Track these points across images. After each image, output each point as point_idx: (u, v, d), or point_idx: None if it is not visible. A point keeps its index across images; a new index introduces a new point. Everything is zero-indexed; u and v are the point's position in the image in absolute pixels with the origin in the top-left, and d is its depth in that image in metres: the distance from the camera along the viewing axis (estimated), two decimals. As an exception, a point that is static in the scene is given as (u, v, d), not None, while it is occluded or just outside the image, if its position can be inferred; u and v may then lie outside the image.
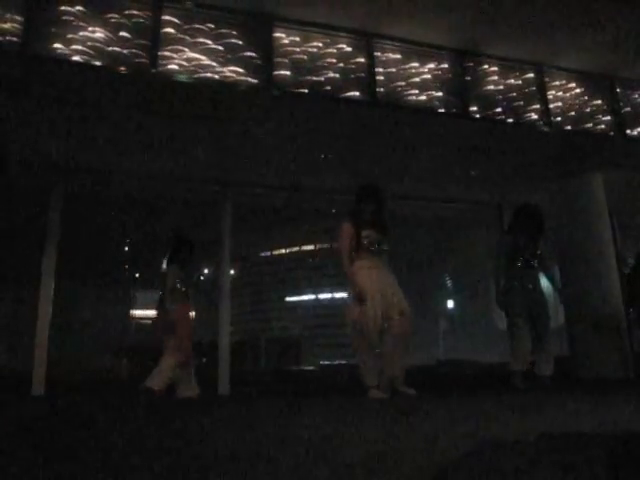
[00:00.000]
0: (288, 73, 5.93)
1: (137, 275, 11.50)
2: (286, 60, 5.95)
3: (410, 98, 6.37)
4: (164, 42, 5.52)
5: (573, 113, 7.15)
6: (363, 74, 6.20)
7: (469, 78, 6.66)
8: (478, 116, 6.61)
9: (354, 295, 4.40)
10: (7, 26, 5.14)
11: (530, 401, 3.60)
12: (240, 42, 5.81)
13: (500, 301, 5.17)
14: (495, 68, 6.82)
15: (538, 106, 6.93)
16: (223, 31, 5.77)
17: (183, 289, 5.39)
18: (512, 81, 6.89)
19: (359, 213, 4.67)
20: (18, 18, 5.16)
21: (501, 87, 6.81)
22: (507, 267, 5.19)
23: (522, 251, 5.21)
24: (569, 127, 7.06)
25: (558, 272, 7.17)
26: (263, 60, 5.83)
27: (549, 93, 7.00)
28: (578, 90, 7.23)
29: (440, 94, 6.52)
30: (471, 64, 6.70)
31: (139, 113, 5.67)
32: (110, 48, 5.34)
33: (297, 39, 6.03)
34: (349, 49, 6.22)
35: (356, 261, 4.51)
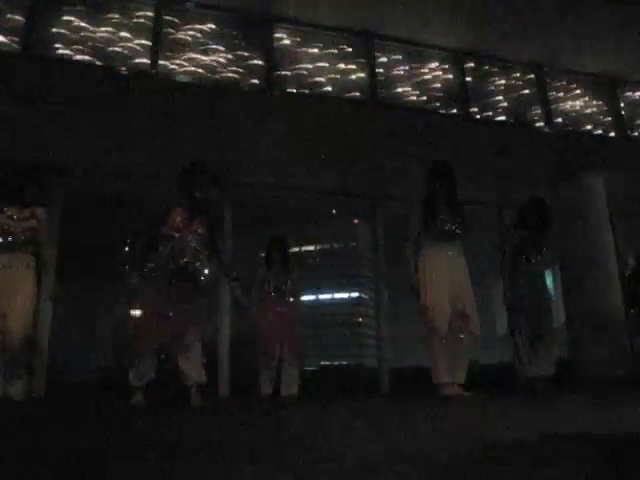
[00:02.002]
0: (288, 73, 5.94)
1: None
2: (287, 61, 5.95)
3: (411, 99, 6.38)
4: (165, 42, 5.53)
5: (574, 114, 7.15)
6: (363, 74, 6.20)
7: (470, 79, 6.67)
8: (478, 117, 6.62)
9: (410, 285, 4.12)
10: (9, 26, 5.15)
11: (528, 402, 3.60)
12: (241, 42, 5.81)
13: (507, 300, 5.04)
14: (496, 69, 6.83)
15: (539, 107, 6.93)
16: (224, 32, 5.78)
17: (269, 290, 5.36)
18: (513, 82, 6.90)
19: (432, 194, 4.22)
20: (19, 18, 5.17)
21: (502, 88, 6.82)
22: (514, 263, 5.07)
23: (528, 247, 5.10)
24: (570, 128, 7.06)
25: (558, 272, 7.17)
26: (264, 61, 5.84)
27: (550, 94, 7.00)
28: (579, 91, 7.23)
29: (441, 95, 6.53)
30: (472, 65, 6.71)
31: (139, 113, 5.67)
32: (111, 48, 5.35)
33: (298, 39, 6.03)
34: (349, 49, 6.23)
35: (425, 247, 4.14)
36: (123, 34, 5.40)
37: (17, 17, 5.17)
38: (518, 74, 6.93)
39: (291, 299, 5.47)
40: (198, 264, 3.86)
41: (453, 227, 4.15)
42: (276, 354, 5.22)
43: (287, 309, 5.40)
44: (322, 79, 6.05)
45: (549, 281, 5.28)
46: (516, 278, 5.02)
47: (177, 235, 3.85)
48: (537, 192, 7.20)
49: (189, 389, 3.79)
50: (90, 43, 5.29)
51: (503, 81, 6.84)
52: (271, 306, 5.32)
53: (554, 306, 5.39)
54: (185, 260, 3.80)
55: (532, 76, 6.96)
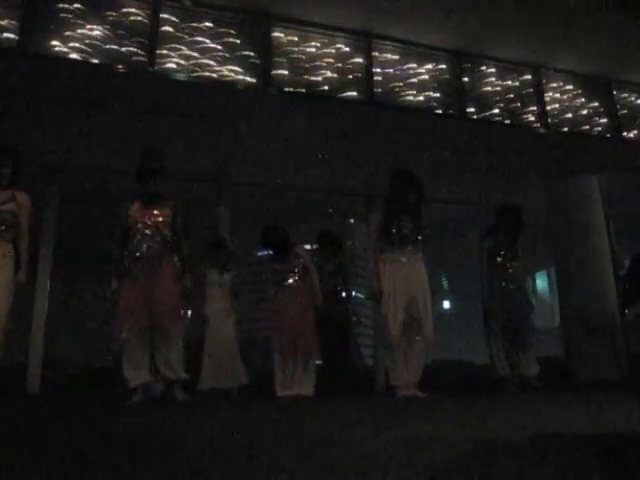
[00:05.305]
0: (286, 72, 5.93)
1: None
2: (284, 59, 5.95)
3: (408, 99, 6.38)
4: (162, 40, 5.52)
5: (570, 115, 7.17)
6: (361, 74, 6.20)
7: (467, 79, 6.68)
8: (475, 117, 6.63)
9: (369, 293, 4.23)
10: (4, 23, 5.12)
11: (523, 402, 3.61)
12: (238, 41, 5.81)
13: (485, 304, 5.07)
14: (493, 69, 6.84)
15: (535, 108, 6.95)
16: (221, 30, 5.77)
17: (277, 284, 4.97)
18: (509, 82, 6.91)
19: (394, 202, 4.33)
20: (16, 15, 5.14)
21: (498, 88, 6.83)
22: (489, 269, 5.10)
23: (504, 252, 5.13)
24: (566, 129, 7.08)
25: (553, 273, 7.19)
26: (261, 59, 5.83)
27: (546, 95, 7.02)
28: (575, 92, 7.25)
29: (438, 95, 6.54)
30: (469, 65, 6.72)
31: (137, 111, 5.66)
32: (108, 46, 5.34)
33: (295, 39, 6.03)
34: (347, 49, 6.23)
35: (383, 254, 4.21)
36: (121, 32, 5.38)
37: (14, 14, 5.14)
38: (514, 75, 6.94)
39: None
40: (146, 250, 3.86)
41: (408, 235, 4.23)
42: (291, 352, 4.75)
43: (306, 302, 4.90)
44: (319, 78, 6.05)
45: (539, 283, 5.26)
46: (492, 283, 5.04)
47: (135, 224, 3.93)
48: (533, 192, 7.26)
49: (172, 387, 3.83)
50: (88, 41, 5.27)
51: (499, 81, 6.85)
52: (288, 301, 4.87)
53: (549, 307, 5.38)
54: (145, 246, 3.86)
55: (529, 77, 6.98)
